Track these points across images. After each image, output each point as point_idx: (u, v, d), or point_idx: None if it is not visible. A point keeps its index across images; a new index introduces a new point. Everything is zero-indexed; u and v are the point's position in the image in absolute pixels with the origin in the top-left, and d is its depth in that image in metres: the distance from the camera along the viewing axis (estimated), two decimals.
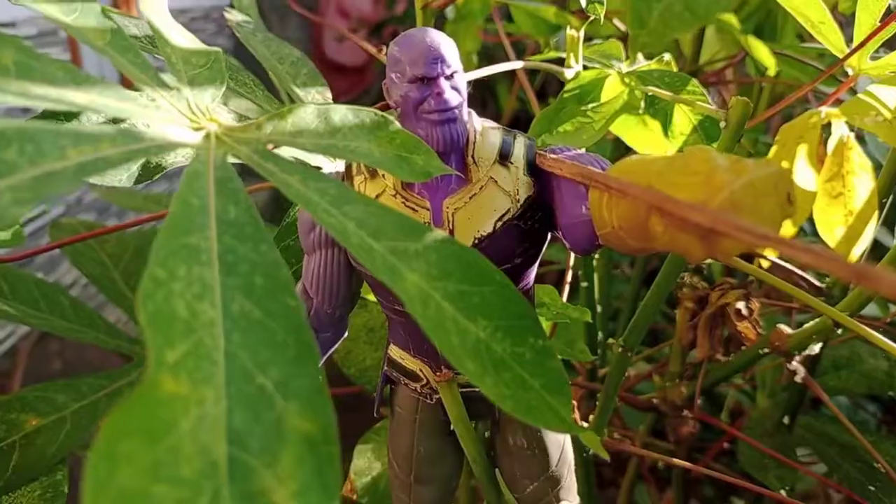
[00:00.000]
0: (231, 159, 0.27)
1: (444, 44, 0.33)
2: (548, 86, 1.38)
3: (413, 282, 0.25)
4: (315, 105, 0.28)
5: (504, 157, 0.34)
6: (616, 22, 0.80)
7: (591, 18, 0.45)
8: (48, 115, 0.39)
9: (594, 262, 0.65)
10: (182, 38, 0.31)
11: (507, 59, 0.81)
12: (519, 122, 1.45)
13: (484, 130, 0.35)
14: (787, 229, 0.51)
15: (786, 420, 0.65)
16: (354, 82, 2.67)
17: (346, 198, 0.26)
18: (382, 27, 2.14)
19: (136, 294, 0.18)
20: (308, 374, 0.20)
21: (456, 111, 0.33)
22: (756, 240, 0.19)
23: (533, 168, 0.34)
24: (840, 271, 0.17)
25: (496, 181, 0.34)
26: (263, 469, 0.18)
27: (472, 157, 0.34)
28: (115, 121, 0.37)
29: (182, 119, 0.27)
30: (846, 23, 0.45)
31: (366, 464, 0.49)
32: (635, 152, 0.53)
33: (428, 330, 0.24)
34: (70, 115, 0.38)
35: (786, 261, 0.50)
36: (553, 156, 0.33)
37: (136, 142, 0.23)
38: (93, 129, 0.22)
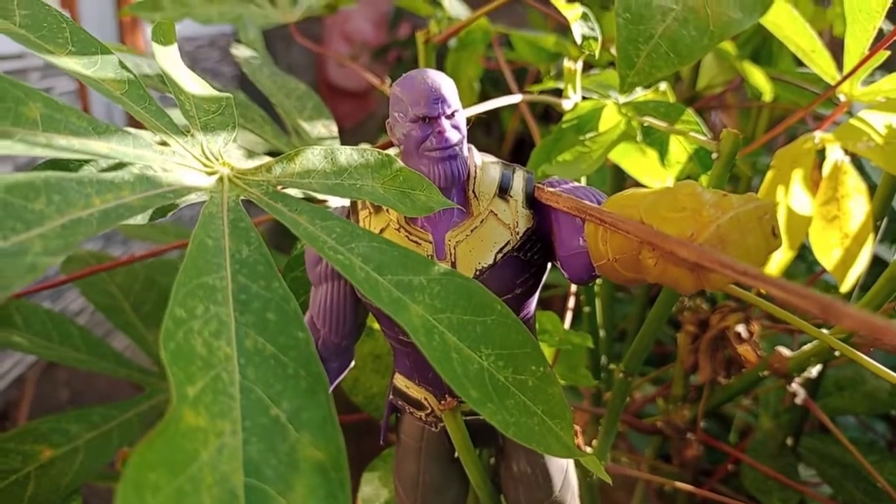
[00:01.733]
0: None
1: (445, 84, 0.34)
2: (552, 109, 1.40)
3: (417, 313, 0.26)
4: (321, 147, 0.29)
5: (504, 191, 0.35)
6: (614, 51, 0.81)
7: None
8: (57, 163, 0.37)
9: (596, 287, 0.66)
10: (195, 84, 0.32)
11: (509, 84, 0.83)
12: (523, 143, 1.46)
13: (484, 165, 0.36)
14: (787, 254, 0.52)
15: (789, 441, 0.66)
16: (359, 106, 2.69)
17: (352, 235, 0.27)
18: (386, 51, 2.18)
19: (160, 332, 0.19)
20: (319, 404, 0.21)
21: (457, 148, 0.34)
22: (737, 275, 0.20)
23: (532, 201, 0.36)
24: (808, 305, 0.18)
25: (496, 214, 0.35)
26: (278, 497, 0.19)
27: (473, 191, 0.35)
28: (123, 164, 0.37)
29: (196, 163, 0.28)
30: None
31: (373, 491, 0.50)
32: (635, 179, 0.54)
33: (432, 360, 0.25)
34: (77, 161, 0.37)
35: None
36: (551, 189, 0.35)
37: (153, 188, 0.24)
38: (113, 176, 0.23)
